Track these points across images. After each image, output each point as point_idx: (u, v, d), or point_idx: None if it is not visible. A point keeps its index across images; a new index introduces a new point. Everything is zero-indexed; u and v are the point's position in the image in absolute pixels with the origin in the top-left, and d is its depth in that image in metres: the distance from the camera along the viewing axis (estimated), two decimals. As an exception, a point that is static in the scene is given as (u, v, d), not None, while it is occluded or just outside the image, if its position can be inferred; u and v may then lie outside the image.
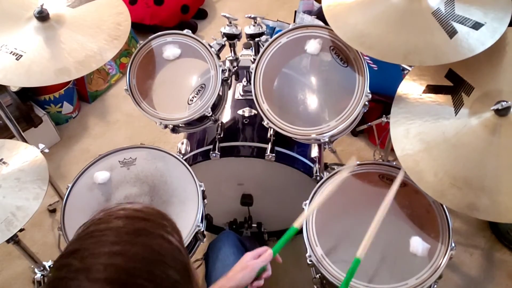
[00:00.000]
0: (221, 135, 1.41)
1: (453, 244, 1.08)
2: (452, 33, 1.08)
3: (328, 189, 1.11)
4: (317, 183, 1.24)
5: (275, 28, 2.19)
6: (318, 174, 1.39)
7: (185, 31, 1.34)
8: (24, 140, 1.53)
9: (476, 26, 1.09)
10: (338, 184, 1.12)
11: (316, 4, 2.26)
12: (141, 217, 0.61)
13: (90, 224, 0.60)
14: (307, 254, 1.10)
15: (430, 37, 1.09)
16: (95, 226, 0.59)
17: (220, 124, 1.42)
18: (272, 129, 1.25)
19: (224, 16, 1.37)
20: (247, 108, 1.50)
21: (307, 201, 1.20)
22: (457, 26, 1.09)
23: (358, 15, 1.17)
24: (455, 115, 1.09)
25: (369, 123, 1.84)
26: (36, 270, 1.37)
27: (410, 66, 1.33)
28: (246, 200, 1.55)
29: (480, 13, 1.10)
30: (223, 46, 1.39)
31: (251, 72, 1.27)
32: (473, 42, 1.06)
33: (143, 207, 0.63)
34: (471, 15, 1.10)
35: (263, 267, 0.94)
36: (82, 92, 2.36)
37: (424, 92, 1.15)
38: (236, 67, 1.46)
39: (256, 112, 1.47)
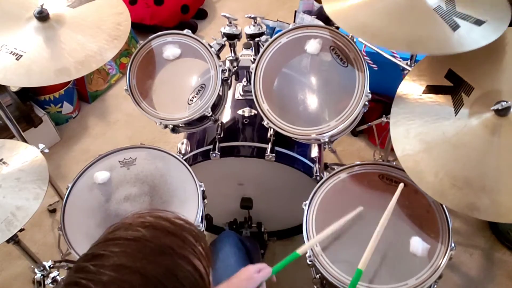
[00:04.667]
0: (221, 135, 1.41)
1: (453, 244, 1.08)
2: (455, 27, 1.08)
3: (338, 223, 1.11)
4: (317, 183, 1.24)
5: (275, 28, 2.19)
6: (318, 174, 1.39)
7: (185, 31, 1.34)
8: (24, 140, 1.53)
9: (478, 22, 1.08)
10: (348, 219, 1.12)
11: (316, 4, 2.26)
12: (171, 232, 0.59)
13: (119, 227, 0.59)
14: (307, 254, 1.10)
15: (433, 30, 1.08)
16: (123, 231, 0.58)
17: (220, 124, 1.42)
18: (272, 129, 1.25)
19: (224, 16, 1.37)
20: (247, 108, 1.50)
21: (307, 202, 1.20)
22: (460, 21, 1.09)
23: (359, 12, 1.17)
24: (455, 115, 1.09)
25: (369, 123, 1.84)
26: (36, 270, 1.37)
27: (410, 66, 1.33)
28: (246, 203, 1.55)
29: (481, 12, 1.10)
30: (223, 46, 1.39)
31: (251, 72, 1.27)
32: (476, 36, 1.06)
33: (175, 217, 0.61)
34: (472, 13, 1.10)
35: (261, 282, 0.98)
36: (82, 92, 2.36)
37: (424, 92, 1.15)
38: (236, 67, 1.46)
39: (256, 112, 1.47)
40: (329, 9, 1.20)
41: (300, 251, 1.04)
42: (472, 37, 1.06)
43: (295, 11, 2.21)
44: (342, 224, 1.11)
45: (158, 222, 0.60)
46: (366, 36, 1.13)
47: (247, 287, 0.95)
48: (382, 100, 1.87)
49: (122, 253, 0.55)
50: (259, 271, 0.97)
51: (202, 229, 1.21)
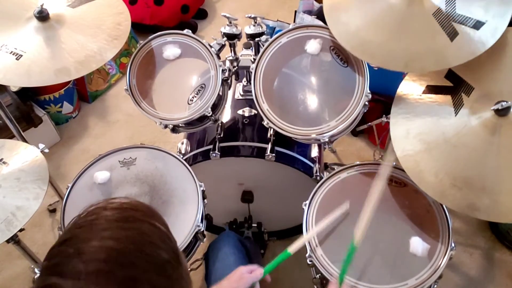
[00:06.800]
0: (221, 135, 1.41)
1: (453, 244, 1.08)
2: (453, 35, 1.08)
3: (326, 221, 1.11)
4: (317, 183, 1.24)
5: (275, 28, 2.19)
6: (318, 174, 1.39)
7: (185, 31, 1.34)
8: (24, 140, 1.54)
9: (477, 25, 1.08)
10: (336, 217, 1.12)
11: (316, 4, 2.26)
12: (129, 208, 0.63)
13: (79, 218, 0.62)
14: (307, 254, 1.10)
15: (431, 42, 1.08)
16: (84, 218, 0.61)
17: (220, 124, 1.42)
18: (272, 129, 1.25)
19: (224, 16, 1.37)
20: (247, 108, 1.50)
21: (307, 201, 1.20)
22: (458, 27, 1.09)
23: (358, 18, 1.17)
24: (455, 115, 1.09)
25: (369, 123, 1.84)
26: (36, 270, 1.37)
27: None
28: (247, 197, 1.55)
29: (481, 10, 1.10)
30: (223, 46, 1.39)
31: (251, 72, 1.27)
32: (474, 43, 1.06)
33: (130, 200, 0.66)
34: (472, 13, 1.10)
35: (253, 283, 0.98)
36: (82, 92, 2.36)
37: (424, 92, 1.15)
38: (236, 67, 1.46)
39: (256, 112, 1.47)
40: (329, 18, 1.21)
41: (291, 250, 1.03)
42: (469, 46, 1.06)
43: (295, 11, 2.21)
44: (331, 220, 1.10)
45: (116, 205, 0.63)
46: (365, 56, 1.14)
47: (239, 287, 0.95)
48: (382, 100, 1.87)
49: (90, 230, 0.58)
50: (251, 272, 0.98)
51: (202, 229, 1.21)
